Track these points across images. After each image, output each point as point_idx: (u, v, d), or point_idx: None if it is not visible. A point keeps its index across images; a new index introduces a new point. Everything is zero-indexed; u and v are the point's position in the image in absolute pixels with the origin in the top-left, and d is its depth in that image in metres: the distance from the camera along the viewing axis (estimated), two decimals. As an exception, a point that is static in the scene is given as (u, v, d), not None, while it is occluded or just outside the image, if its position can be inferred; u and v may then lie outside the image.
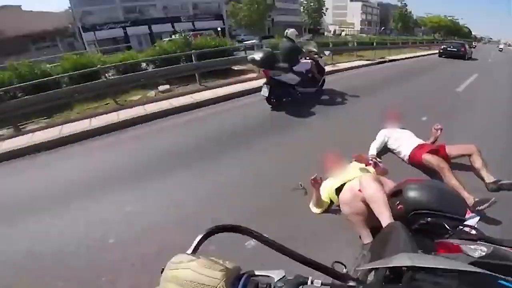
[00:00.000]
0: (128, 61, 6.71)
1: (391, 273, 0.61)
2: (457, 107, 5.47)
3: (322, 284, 0.49)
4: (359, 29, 53.47)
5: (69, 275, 1.76)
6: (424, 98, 6.03)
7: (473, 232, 1.25)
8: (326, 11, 26.97)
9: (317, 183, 1.92)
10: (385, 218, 1.39)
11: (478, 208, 1.94)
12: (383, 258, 0.68)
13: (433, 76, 9.18)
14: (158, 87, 6.38)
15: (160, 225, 2.13)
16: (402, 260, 0.57)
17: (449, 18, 54.40)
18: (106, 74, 6.13)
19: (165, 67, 6.40)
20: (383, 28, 50.78)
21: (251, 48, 11.27)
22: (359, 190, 1.63)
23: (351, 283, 0.52)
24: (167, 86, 6.43)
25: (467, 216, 1.66)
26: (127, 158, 3.40)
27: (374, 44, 14.89)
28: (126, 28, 25.17)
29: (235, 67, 8.61)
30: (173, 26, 24.61)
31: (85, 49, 19.49)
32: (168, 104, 5.37)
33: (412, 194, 1.33)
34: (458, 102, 5.90)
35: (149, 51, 7.67)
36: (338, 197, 1.93)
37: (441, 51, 15.74)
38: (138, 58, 7.31)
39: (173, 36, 16.47)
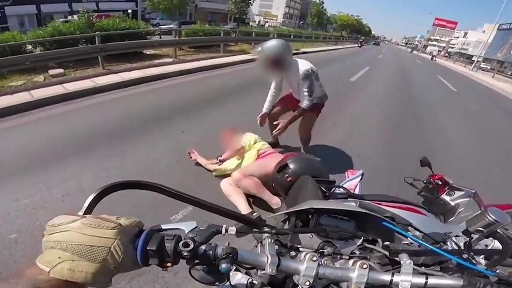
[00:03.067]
0: (8, 43, 5.62)
1: (301, 221, 0.68)
2: (349, 93, 6.90)
3: (237, 231, 0.49)
4: (281, 21, 57.52)
5: None
6: (324, 84, 7.26)
7: (343, 191, 1.67)
8: (253, 1, 27.74)
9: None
10: (266, 197, 2.11)
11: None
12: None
13: (333, 68, 10.91)
14: (49, 71, 5.60)
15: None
16: (308, 205, 0.64)
17: (355, 17, 63.81)
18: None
19: (58, 50, 5.64)
20: (301, 22, 55.70)
21: (168, 33, 10.88)
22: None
23: (266, 229, 0.54)
24: (61, 70, 5.71)
25: (350, 176, 2.12)
26: (7, 153, 2.93)
27: (292, 36, 16.44)
28: (4, 7, 20.41)
29: (148, 52, 8.23)
30: (70, 6, 21.56)
31: None
32: (62, 88, 4.82)
33: (295, 165, 1.66)
34: (351, 88, 7.43)
35: (39, 32, 6.56)
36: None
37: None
38: (23, 39, 6.20)
39: (69, 17, 14.33)
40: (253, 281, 0.63)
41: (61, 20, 10.24)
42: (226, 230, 0.48)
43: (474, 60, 24.15)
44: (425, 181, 2.13)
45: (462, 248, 0.65)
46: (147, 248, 0.40)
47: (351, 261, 0.53)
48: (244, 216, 0.58)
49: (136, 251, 0.39)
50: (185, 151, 2.91)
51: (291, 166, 1.68)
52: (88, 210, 0.45)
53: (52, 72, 5.59)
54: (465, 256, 0.58)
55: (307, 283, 0.48)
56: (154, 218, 2.05)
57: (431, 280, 0.47)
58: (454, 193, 2.06)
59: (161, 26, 15.59)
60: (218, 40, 10.10)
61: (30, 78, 5.35)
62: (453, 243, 0.95)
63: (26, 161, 2.72)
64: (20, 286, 0.32)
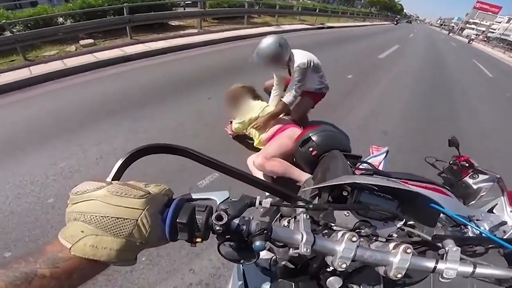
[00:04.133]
0: (41, 15, 5.87)
1: (333, 197, 0.62)
2: (377, 70, 6.70)
3: (271, 204, 0.45)
4: (306, -6, 54.62)
5: None
6: (352, 61, 7.12)
7: (369, 167, 1.69)
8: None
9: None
10: (296, 176, 1.92)
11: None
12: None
13: (361, 44, 10.48)
14: (80, 42, 5.85)
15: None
16: (344, 179, 0.58)
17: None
18: (13, 30, 5.32)
19: (88, 21, 5.84)
20: (327, -4, 52.72)
21: (193, 4, 10.81)
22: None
23: (300, 203, 0.51)
24: (91, 40, 5.92)
25: (375, 152, 2.02)
26: (44, 118, 3.11)
27: (317, 10, 15.76)
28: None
29: (173, 23, 8.28)
30: None
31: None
32: (93, 57, 5.05)
33: (317, 138, 1.62)
34: (379, 65, 7.17)
35: (69, 5, 6.79)
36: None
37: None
38: (54, 12, 6.44)
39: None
40: (277, 259, 0.59)
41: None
42: (260, 203, 0.45)
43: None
44: (450, 162, 2.09)
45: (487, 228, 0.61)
46: (177, 220, 0.36)
47: (391, 245, 0.49)
48: (277, 187, 0.54)
49: (165, 223, 0.36)
50: (211, 116, 3.01)
51: (315, 139, 1.64)
52: (117, 176, 0.42)
53: (82, 42, 5.81)
54: None
55: (344, 265, 0.44)
56: (180, 184, 2.07)
57: (480, 270, 0.44)
58: (478, 176, 2.02)
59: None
60: (242, 12, 9.94)
61: (63, 48, 5.59)
62: (475, 227, 0.86)
63: (61, 125, 2.87)
64: (37, 266, 0.29)
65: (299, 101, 2.61)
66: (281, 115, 2.41)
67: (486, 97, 6.67)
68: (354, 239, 0.45)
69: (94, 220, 0.31)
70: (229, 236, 0.40)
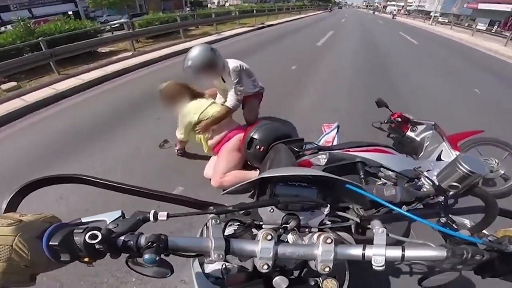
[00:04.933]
0: None
1: (259, 195, 0.61)
2: (317, 56, 7.25)
3: (169, 215, 0.44)
4: (242, -2, 56.33)
5: None
6: (293, 52, 7.65)
7: (314, 145, 1.64)
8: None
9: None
10: (250, 176, 1.94)
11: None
12: None
13: (300, 36, 11.41)
14: (0, 86, 5.31)
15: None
16: (261, 175, 0.57)
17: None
18: None
19: (4, 62, 5.31)
20: (264, -4, 54.91)
21: (120, 27, 10.44)
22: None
23: (210, 208, 0.49)
24: (14, 83, 5.42)
25: (327, 129, 2.17)
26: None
27: (254, 11, 16.32)
28: None
29: (103, 50, 7.92)
30: None
31: None
32: (22, 101, 4.62)
33: (258, 135, 1.76)
34: (318, 52, 7.74)
35: None
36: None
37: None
38: None
39: (2, 28, 13.26)
40: (227, 266, 0.58)
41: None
42: (156, 216, 0.44)
43: (432, 16, 25.40)
44: (385, 121, 2.26)
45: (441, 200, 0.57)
46: (50, 243, 0.38)
47: (315, 236, 0.47)
48: (185, 197, 0.54)
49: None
50: (164, 135, 2.89)
51: (256, 136, 1.76)
52: (10, 209, 0.45)
53: (4, 86, 5.28)
54: (443, 220, 0.52)
55: (265, 266, 0.43)
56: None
57: (409, 253, 0.41)
58: (417, 128, 2.27)
59: (110, 22, 14.81)
60: (175, 27, 9.87)
61: (-19, 97, 5.05)
62: (426, 178, 0.97)
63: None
64: None
65: (248, 105, 2.71)
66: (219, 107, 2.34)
67: (414, 61, 7.50)
68: (269, 237, 0.43)
69: None
70: (129, 254, 0.42)
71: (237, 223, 0.55)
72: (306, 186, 0.55)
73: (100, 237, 0.38)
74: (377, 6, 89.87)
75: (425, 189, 0.89)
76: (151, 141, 3.05)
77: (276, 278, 0.48)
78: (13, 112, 4.24)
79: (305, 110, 3.82)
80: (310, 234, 0.50)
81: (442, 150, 1.97)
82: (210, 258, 0.43)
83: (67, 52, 6.23)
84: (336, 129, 2.18)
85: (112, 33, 8.59)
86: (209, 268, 0.59)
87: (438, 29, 19.35)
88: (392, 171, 1.41)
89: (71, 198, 2.23)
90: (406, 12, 53.74)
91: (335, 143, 2.04)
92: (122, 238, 0.41)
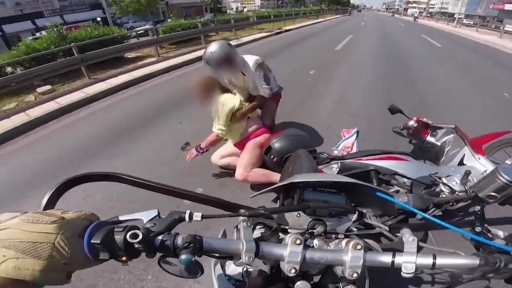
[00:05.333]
0: None
1: (286, 199, 0.61)
2: (336, 60, 7.31)
3: (203, 216, 0.45)
4: (259, 4, 57.30)
5: None
6: (311, 57, 7.74)
7: (325, 155, 1.71)
8: (226, -11, 27.76)
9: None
10: (274, 180, 1.99)
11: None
12: None
13: (318, 40, 11.49)
14: (37, 89, 5.73)
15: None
16: (289, 180, 0.56)
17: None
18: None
19: (41, 66, 5.74)
20: (280, 1, 55.31)
21: (145, 34, 10.97)
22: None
23: (242, 211, 0.50)
24: (49, 87, 5.84)
25: (346, 135, 2.21)
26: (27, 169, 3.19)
27: (272, 17, 16.52)
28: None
29: (130, 55, 8.33)
30: (34, 23, 21.70)
31: None
32: (56, 104, 4.97)
33: (277, 145, 1.82)
34: (336, 57, 7.79)
35: (13, 53, 6.61)
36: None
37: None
38: None
39: (37, 34, 14.19)
40: (248, 269, 0.59)
41: (30, 37, 10.14)
42: (191, 216, 0.45)
43: (455, 18, 24.46)
44: (401, 128, 2.17)
45: (461, 190, 0.59)
46: (92, 241, 0.38)
47: (343, 242, 0.47)
48: (217, 199, 0.56)
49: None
50: (186, 138, 2.94)
51: (274, 146, 1.83)
52: (48, 206, 0.45)
53: (40, 90, 5.71)
54: (478, 229, 0.51)
55: (293, 270, 0.43)
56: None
57: (440, 261, 0.41)
58: (437, 132, 2.19)
59: (136, 29, 15.53)
60: (197, 33, 10.20)
61: (21, 99, 5.49)
62: (443, 185, 0.97)
63: (38, 179, 2.84)
64: None
65: (265, 108, 2.66)
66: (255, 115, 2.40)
67: (438, 65, 7.29)
68: (298, 241, 0.43)
69: (13, 245, 0.34)
70: (163, 253, 0.42)
71: (263, 227, 0.56)
72: (335, 193, 0.56)
73: (140, 237, 0.39)
74: (398, 8, 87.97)
75: (443, 196, 0.89)
76: (172, 144, 3.15)
77: (298, 282, 0.49)
78: (48, 113, 4.61)
79: (324, 115, 3.85)
80: (337, 240, 0.51)
81: (464, 154, 1.90)
82: (240, 261, 0.43)
83: (96, 58, 6.64)
84: (355, 135, 2.18)
85: (138, 39, 9.01)
86: (230, 270, 0.61)
87: (463, 31, 18.65)
88: (408, 178, 1.41)
89: (97, 196, 2.37)
90: (428, 14, 52.19)
91: (354, 149, 2.06)
92: (159, 237, 0.42)
